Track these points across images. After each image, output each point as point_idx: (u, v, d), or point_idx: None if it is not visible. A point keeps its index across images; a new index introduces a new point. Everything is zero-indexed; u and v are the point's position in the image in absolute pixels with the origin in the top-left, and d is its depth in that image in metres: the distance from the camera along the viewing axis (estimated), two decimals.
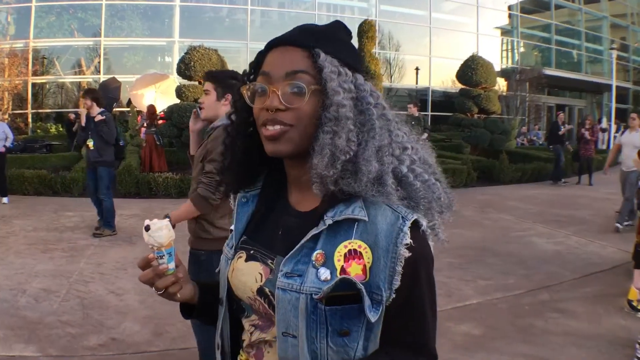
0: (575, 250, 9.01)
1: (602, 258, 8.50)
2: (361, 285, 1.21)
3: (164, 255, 1.38)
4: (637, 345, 4.98)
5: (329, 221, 1.27)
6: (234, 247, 1.49)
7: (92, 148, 9.44)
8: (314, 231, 1.28)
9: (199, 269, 3.69)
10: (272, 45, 1.35)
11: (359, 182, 1.24)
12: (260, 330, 1.40)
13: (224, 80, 3.78)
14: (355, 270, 1.23)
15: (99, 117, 9.39)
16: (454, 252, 8.30)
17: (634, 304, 5.91)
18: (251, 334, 1.43)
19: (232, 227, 1.53)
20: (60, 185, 13.55)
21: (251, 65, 1.40)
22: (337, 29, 1.40)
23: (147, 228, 1.37)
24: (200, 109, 3.87)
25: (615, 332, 5.53)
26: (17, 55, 24.94)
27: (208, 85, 3.80)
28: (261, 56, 1.37)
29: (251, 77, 1.38)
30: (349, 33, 1.43)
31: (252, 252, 1.42)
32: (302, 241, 1.29)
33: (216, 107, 3.76)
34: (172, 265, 1.40)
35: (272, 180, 1.50)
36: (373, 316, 1.23)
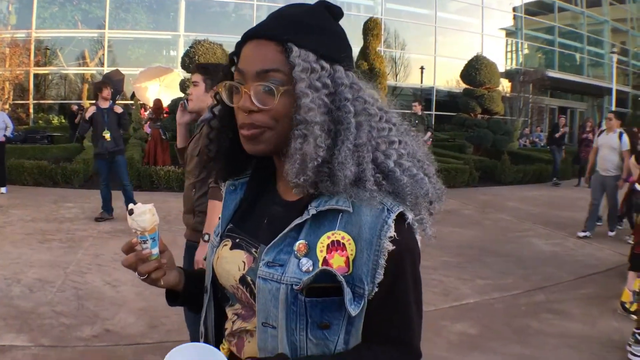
0: (572, 252, 9.01)
1: (598, 260, 8.49)
2: (342, 278, 1.19)
3: (147, 240, 1.36)
4: (628, 347, 4.99)
5: (312, 211, 1.24)
6: (220, 235, 1.47)
7: (108, 139, 9.62)
8: (297, 221, 1.26)
9: (189, 258, 3.70)
10: (247, 37, 1.30)
11: (337, 186, 1.22)
12: (242, 319, 1.39)
13: (213, 72, 3.76)
14: (337, 262, 1.21)
15: (119, 109, 9.86)
16: (452, 251, 8.29)
17: (627, 305, 5.91)
18: (233, 322, 1.41)
19: (220, 215, 1.51)
20: (61, 176, 13.56)
21: (230, 56, 1.36)
22: (318, 13, 1.32)
23: (131, 212, 1.35)
24: (188, 100, 3.85)
25: (608, 334, 5.52)
26: (18, 45, 24.91)
27: (197, 77, 3.79)
28: (239, 47, 1.32)
29: (233, 67, 1.34)
30: (336, 14, 1.36)
31: (237, 240, 1.40)
32: (285, 230, 1.27)
33: (204, 99, 3.74)
34: (155, 251, 1.38)
35: (261, 168, 1.47)
36: (354, 310, 1.20)
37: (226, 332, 1.45)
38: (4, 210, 10.59)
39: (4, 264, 7.12)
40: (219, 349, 1.45)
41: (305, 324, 1.23)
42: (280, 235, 1.27)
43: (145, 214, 1.35)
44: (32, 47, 27.06)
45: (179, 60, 18.25)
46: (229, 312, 1.44)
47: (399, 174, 1.25)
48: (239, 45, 1.32)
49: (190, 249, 3.77)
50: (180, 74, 19.30)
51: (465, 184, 16.19)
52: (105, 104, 9.77)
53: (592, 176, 10.57)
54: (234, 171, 1.50)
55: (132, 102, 21.68)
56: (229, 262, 1.38)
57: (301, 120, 1.20)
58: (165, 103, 17.14)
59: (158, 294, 5.75)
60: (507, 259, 8.29)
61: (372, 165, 1.24)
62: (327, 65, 1.24)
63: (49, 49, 28.82)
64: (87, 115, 9.78)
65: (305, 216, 1.25)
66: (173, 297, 1.57)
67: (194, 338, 3.82)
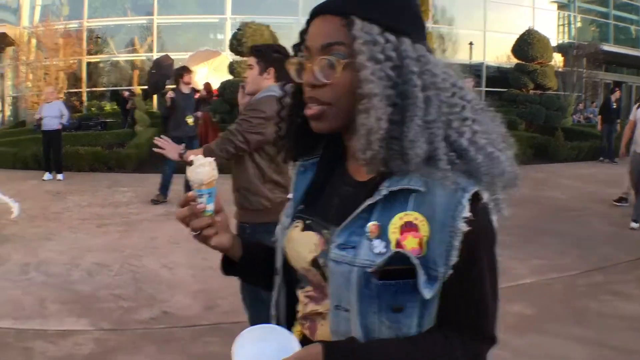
0: (631, 231, 8.74)
1: None
2: (416, 260, 1.16)
3: (203, 195, 1.34)
4: None
5: (384, 191, 1.20)
6: (290, 216, 1.45)
7: (191, 124, 9.79)
8: (369, 201, 1.22)
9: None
10: (314, 13, 1.29)
11: (409, 165, 1.18)
12: (315, 302, 1.36)
13: (266, 54, 3.79)
14: (411, 244, 1.17)
15: (199, 94, 10.06)
16: (507, 230, 8.05)
17: None
18: (305, 305, 1.39)
19: (290, 196, 1.49)
20: (115, 161, 13.83)
21: (301, 34, 1.34)
22: None
23: (191, 163, 1.33)
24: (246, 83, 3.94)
25: None
26: (71, 36, 25.38)
27: (251, 60, 3.83)
28: (307, 25, 1.31)
29: (301, 46, 1.33)
30: None
31: (308, 221, 1.38)
32: (357, 212, 1.23)
33: (258, 81, 3.78)
34: (210, 207, 1.36)
35: (332, 148, 1.44)
36: (428, 292, 1.16)
37: (298, 315, 1.43)
38: (62, 196, 10.87)
39: (63, 249, 7.29)
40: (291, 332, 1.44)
41: (378, 307, 1.20)
42: (351, 216, 1.24)
43: (204, 166, 1.33)
44: (85, 36, 27.51)
45: (227, 43, 18.33)
46: (301, 294, 1.42)
47: (473, 152, 1.20)
48: (307, 23, 1.31)
49: (240, 231, 3.84)
50: (228, 56, 19.39)
51: (518, 161, 15.89)
52: (186, 89, 9.95)
53: (631, 157, 9.51)
54: (304, 151, 1.48)
55: None
56: (300, 244, 1.36)
57: (362, 94, 1.17)
58: (215, 86, 17.26)
59: (214, 276, 5.80)
60: (563, 239, 8.13)
61: (445, 144, 1.19)
62: (392, 38, 1.20)
63: (99, 38, 29.27)
64: (168, 100, 9.93)
65: (376, 197, 1.21)
66: (229, 267, 1.56)
67: (252, 321, 3.86)
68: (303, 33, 1.32)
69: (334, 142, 1.42)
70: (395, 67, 1.19)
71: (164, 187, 10.17)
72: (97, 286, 5.96)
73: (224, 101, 16.27)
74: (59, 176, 12.72)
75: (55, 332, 4.89)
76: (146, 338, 4.82)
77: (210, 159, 1.35)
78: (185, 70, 10.26)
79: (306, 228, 1.37)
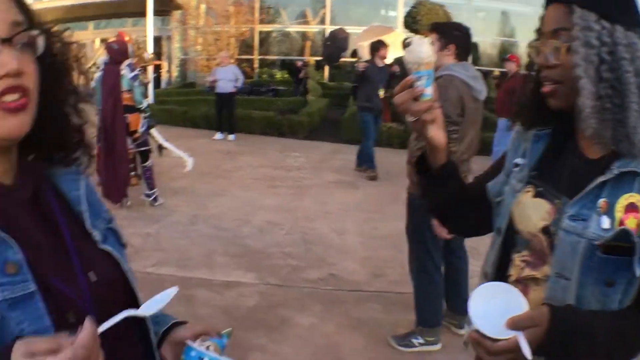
0: None
1: None
2: (638, 238, 1.23)
3: (422, 77, 1.33)
4: None
5: (615, 171, 1.28)
6: (523, 181, 1.48)
7: (382, 96, 9.83)
8: (601, 178, 1.29)
9: (413, 212, 3.94)
10: (548, 1, 1.38)
11: (634, 149, 1.26)
12: (531, 267, 1.41)
13: (447, 31, 3.88)
14: (631, 224, 1.24)
15: (396, 69, 10.42)
16: None
17: None
18: (521, 269, 1.44)
19: (518, 161, 1.52)
20: (287, 127, 14.08)
21: (540, 19, 1.42)
22: None
23: (408, 44, 1.33)
24: None
25: None
26: (242, 4, 26.11)
27: (433, 36, 3.90)
28: (544, 11, 1.40)
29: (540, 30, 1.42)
30: None
31: (540, 189, 1.43)
32: (590, 186, 1.30)
33: (439, 57, 3.83)
34: (429, 91, 1.34)
35: (565, 122, 1.46)
36: (639, 271, 1.23)
37: (511, 279, 1.46)
38: (232, 156, 11.27)
39: (233, 206, 7.57)
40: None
41: (595, 280, 1.27)
42: (584, 191, 1.31)
43: (422, 44, 1.32)
44: (257, 6, 28.25)
45: (400, 20, 18.30)
46: (516, 258, 1.46)
47: None
48: (544, 9, 1.40)
49: (410, 201, 3.99)
50: (401, 33, 19.29)
51: None
52: (381, 63, 9.97)
53: None
54: (539, 122, 1.52)
55: (355, 59, 22.15)
56: (532, 209, 1.42)
57: (575, 76, 1.27)
58: (387, 61, 17.28)
59: (382, 246, 6.00)
60: None
61: None
62: (607, 25, 1.27)
63: (271, 8, 29.95)
64: (358, 72, 10.00)
65: (608, 175, 1.28)
66: (423, 168, 1.58)
67: (418, 290, 4.03)
68: (542, 19, 1.42)
69: (566, 117, 1.45)
70: (609, 53, 1.26)
71: (370, 160, 9.90)
72: (267, 243, 6.14)
73: (393, 76, 16.25)
74: (231, 137, 13.18)
75: (220, 283, 5.10)
76: (312, 297, 4.93)
77: (428, 40, 1.34)
78: (381, 44, 10.21)
79: (537, 195, 1.43)
